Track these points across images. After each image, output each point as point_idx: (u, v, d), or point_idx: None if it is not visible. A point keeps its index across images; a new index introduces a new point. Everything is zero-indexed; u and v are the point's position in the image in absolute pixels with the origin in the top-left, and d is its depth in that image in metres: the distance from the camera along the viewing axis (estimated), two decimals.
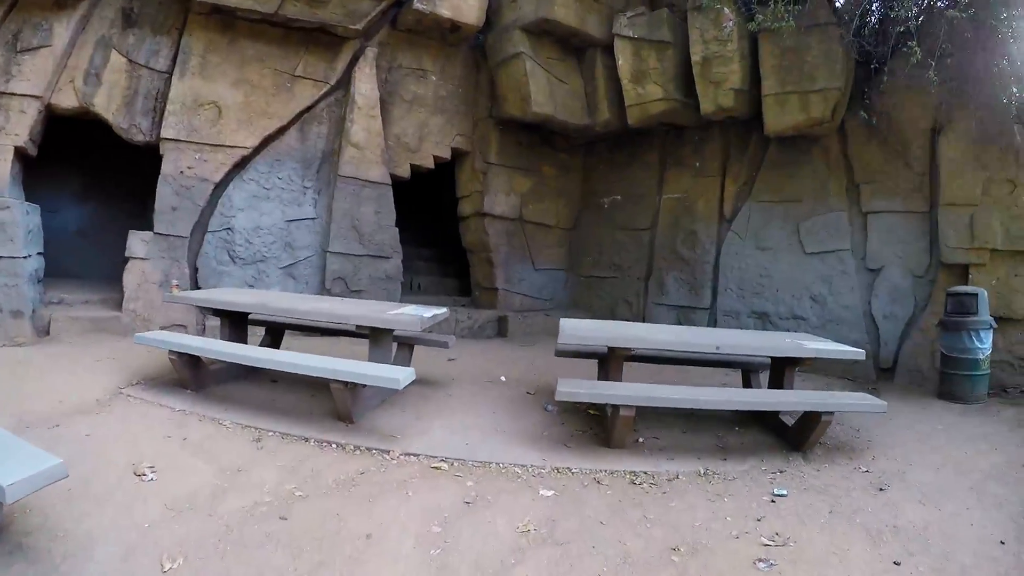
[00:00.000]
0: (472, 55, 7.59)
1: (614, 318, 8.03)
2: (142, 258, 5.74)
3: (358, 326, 3.68)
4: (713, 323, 7.12)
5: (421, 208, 10.24)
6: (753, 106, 6.38)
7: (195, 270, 5.98)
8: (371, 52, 6.61)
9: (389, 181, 6.84)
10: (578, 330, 3.72)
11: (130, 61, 5.87)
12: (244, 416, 3.60)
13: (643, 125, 7.15)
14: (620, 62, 6.86)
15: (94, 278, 7.14)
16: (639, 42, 6.69)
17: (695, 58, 6.30)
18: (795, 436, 3.71)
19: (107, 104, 5.78)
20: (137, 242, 5.78)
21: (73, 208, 7.85)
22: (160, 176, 5.85)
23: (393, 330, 3.86)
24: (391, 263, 6.90)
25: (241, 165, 6.18)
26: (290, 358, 3.38)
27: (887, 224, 6.03)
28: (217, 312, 4.12)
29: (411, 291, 8.45)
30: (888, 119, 5.95)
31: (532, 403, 4.38)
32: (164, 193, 5.85)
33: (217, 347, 3.62)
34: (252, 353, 3.46)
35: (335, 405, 3.47)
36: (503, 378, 5.10)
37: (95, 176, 7.82)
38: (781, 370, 4.19)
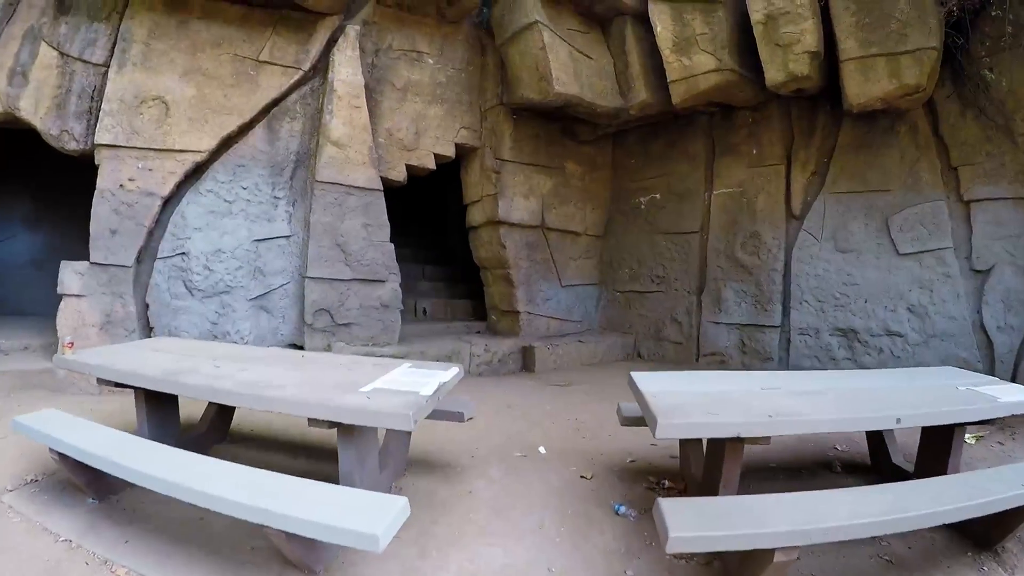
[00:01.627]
0: (476, 34, 6.36)
1: (660, 340, 6.77)
2: (77, 295, 4.65)
3: (311, 419, 2.33)
4: (786, 344, 5.85)
5: (422, 218, 9.07)
6: (825, 76, 5.14)
7: (146, 307, 4.87)
8: (352, 31, 5.40)
9: (380, 186, 5.57)
10: (684, 410, 2.31)
11: (62, 54, 4.81)
12: (152, 557, 2.34)
13: (690, 104, 5.85)
14: (659, 29, 5.59)
15: (46, 315, 6.10)
16: (681, 3, 5.45)
17: (756, 17, 5.06)
18: (979, 530, 2.59)
19: (34, 107, 4.73)
20: (70, 275, 4.67)
21: (25, 235, 6.83)
22: (96, 191, 4.73)
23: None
24: (386, 288, 5.64)
25: (195, 174, 5.00)
26: (202, 482, 2.04)
27: (994, 214, 4.91)
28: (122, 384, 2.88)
29: (415, 318, 7.21)
30: (984, 86, 4.84)
31: (593, 499, 3.00)
32: (101, 212, 4.73)
33: (105, 451, 2.36)
34: (148, 470, 2.13)
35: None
36: (542, 449, 3.71)
37: (50, 196, 6.78)
38: (947, 432, 2.90)
